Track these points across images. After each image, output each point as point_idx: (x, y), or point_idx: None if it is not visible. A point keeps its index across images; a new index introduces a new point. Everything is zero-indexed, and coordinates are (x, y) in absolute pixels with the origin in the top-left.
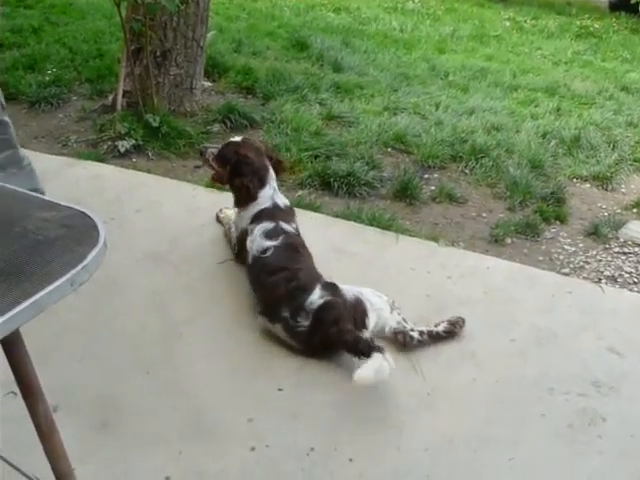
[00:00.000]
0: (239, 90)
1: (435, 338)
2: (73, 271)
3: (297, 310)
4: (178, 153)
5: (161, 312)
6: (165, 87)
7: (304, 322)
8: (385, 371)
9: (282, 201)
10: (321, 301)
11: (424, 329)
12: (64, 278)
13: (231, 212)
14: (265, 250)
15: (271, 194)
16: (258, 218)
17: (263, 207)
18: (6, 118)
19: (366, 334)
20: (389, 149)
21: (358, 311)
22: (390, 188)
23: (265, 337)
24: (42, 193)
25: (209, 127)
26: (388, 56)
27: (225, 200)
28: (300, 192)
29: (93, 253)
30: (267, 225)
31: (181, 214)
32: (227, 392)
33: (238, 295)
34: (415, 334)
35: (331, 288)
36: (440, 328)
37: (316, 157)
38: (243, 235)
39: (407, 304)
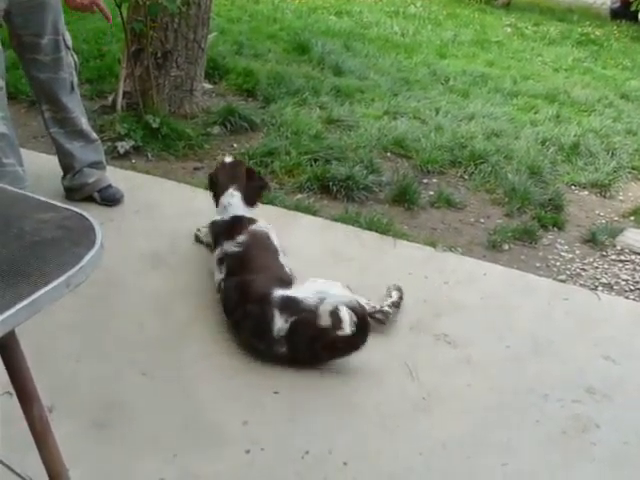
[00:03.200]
0: (240, 92)
1: (397, 307)
2: (70, 272)
3: (270, 343)
4: (178, 155)
5: (158, 314)
6: (165, 88)
7: (282, 349)
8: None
9: (240, 213)
10: (287, 325)
11: (388, 302)
12: (60, 279)
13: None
14: (219, 283)
15: (223, 210)
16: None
17: (220, 218)
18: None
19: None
20: (388, 153)
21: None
22: (389, 192)
23: None
24: (104, 167)
25: (209, 129)
26: (389, 60)
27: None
28: (299, 195)
29: (90, 254)
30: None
31: (180, 216)
32: (223, 395)
33: None
34: (387, 308)
35: (289, 305)
36: (395, 297)
37: (315, 160)
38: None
39: (404, 309)
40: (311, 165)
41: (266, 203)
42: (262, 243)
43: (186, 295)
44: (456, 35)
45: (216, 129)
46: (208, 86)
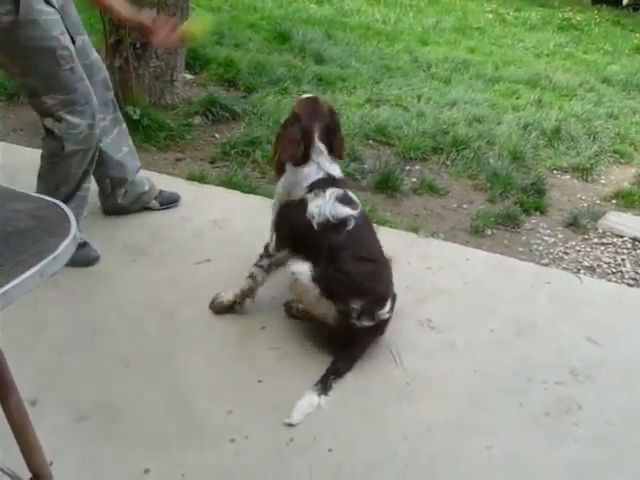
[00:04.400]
0: (221, 82)
1: None
2: (43, 262)
3: (367, 313)
4: (159, 146)
5: (142, 305)
6: (145, 79)
7: (366, 323)
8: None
9: (336, 172)
10: (387, 316)
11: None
12: (34, 269)
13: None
14: (345, 220)
15: (316, 168)
16: (318, 185)
17: (319, 177)
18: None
19: None
20: (371, 141)
21: None
22: (371, 180)
23: (244, 330)
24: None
25: (190, 119)
26: (370, 48)
27: (207, 192)
28: None
29: (64, 244)
30: (336, 191)
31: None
32: (207, 384)
33: (219, 289)
34: None
35: (394, 296)
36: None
37: None
38: (291, 206)
39: None
40: None
41: (248, 192)
42: None
43: (170, 286)
44: (438, 22)
45: (197, 119)
46: (189, 76)
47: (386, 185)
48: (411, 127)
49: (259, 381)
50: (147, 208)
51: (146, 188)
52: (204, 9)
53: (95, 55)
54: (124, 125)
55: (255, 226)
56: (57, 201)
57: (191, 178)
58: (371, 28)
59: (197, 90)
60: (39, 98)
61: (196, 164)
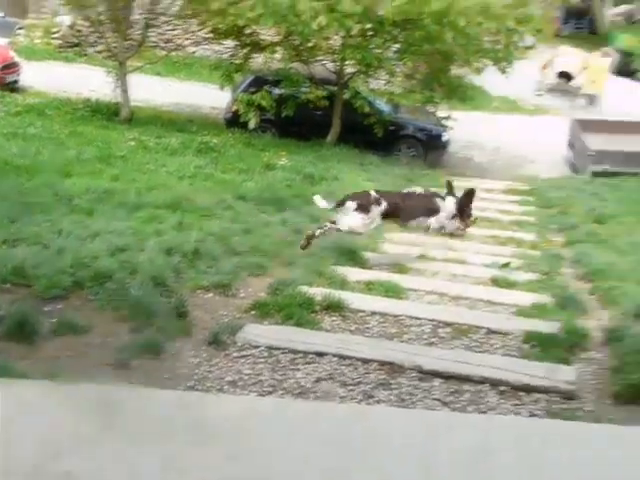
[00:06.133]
0: None
1: None
2: None
3: None
4: None
5: None
6: None
7: None
8: None
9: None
10: None
11: None
12: None
13: None
14: None
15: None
16: None
17: None
18: None
19: None
20: (8, 285)
21: None
22: (5, 328)
23: None
24: None
25: None
26: (8, 184)
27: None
28: None
29: None
30: None
31: None
32: None
33: None
34: None
35: None
36: None
37: None
38: None
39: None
40: None
41: None
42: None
43: None
44: (80, 153)
45: None
46: None
47: (22, 331)
48: (50, 265)
49: None
50: None
51: None
52: None
53: None
54: None
55: None
56: None
57: None
58: (9, 163)
59: None
60: None
61: None
